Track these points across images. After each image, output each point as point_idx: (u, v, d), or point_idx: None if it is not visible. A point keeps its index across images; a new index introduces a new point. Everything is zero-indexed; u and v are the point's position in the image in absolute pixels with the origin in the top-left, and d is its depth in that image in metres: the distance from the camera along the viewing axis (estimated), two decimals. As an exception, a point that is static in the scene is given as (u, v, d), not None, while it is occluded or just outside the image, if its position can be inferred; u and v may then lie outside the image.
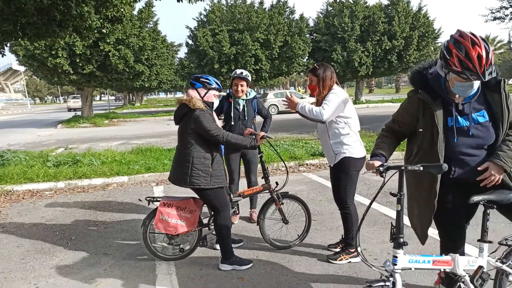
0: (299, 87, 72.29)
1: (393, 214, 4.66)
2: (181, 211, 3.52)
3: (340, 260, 3.45)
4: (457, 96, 2.19)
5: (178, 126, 3.48)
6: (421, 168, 2.04)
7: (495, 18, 15.27)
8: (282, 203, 3.72)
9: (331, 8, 27.04)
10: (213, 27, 24.48)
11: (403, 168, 2.10)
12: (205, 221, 3.66)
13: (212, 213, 3.60)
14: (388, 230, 4.16)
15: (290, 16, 25.66)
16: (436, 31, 26.29)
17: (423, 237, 2.44)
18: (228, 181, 4.22)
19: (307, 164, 7.78)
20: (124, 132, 16.93)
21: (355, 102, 28.14)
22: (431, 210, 2.29)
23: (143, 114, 28.42)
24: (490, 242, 2.33)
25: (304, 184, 6.36)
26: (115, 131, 17.91)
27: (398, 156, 7.50)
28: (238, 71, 4.31)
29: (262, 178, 3.77)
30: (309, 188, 6.15)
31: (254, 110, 4.52)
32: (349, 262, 3.45)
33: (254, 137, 3.44)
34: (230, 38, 24.15)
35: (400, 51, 25.48)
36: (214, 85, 3.40)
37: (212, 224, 3.64)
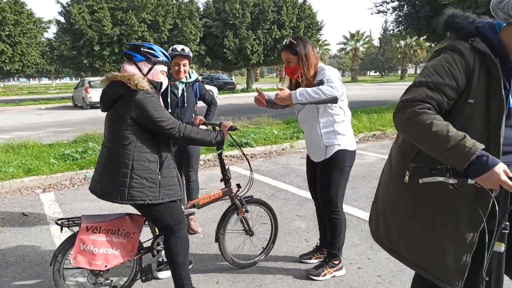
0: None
1: (359, 213, 4.26)
2: (112, 236, 2.46)
3: (324, 276, 2.84)
4: None
5: (105, 113, 2.41)
6: None
7: (379, 12, 16.63)
8: (247, 211, 2.93)
9: (220, -7, 26.35)
10: (91, 4, 21.61)
11: None
12: (147, 243, 2.67)
13: (158, 232, 2.65)
14: (355, 229, 3.70)
15: (179, -2, 24.21)
16: (319, 23, 27.79)
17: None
18: None
19: (226, 156, 7.03)
20: (-19, 125, 13.70)
21: (247, 90, 28.22)
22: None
23: (4, 102, 23.77)
24: None
25: (231, 179, 5.60)
26: (-33, 123, 14.39)
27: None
28: (179, 47, 3.45)
29: (221, 181, 2.92)
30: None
31: (196, 96, 3.71)
32: (334, 276, 2.87)
33: (218, 129, 2.57)
34: (112, 17, 21.65)
35: (288, 40, 26.25)
36: (162, 58, 2.41)
37: (158, 247, 2.68)
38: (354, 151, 2.77)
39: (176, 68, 3.49)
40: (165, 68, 2.45)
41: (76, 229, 2.42)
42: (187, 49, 3.50)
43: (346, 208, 4.21)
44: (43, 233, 3.84)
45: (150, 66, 2.37)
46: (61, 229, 2.40)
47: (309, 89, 2.45)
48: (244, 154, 2.98)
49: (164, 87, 2.49)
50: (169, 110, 3.53)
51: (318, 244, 3.17)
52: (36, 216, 4.32)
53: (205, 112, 3.87)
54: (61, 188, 5.41)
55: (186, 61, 3.49)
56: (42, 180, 5.65)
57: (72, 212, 4.44)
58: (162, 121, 2.26)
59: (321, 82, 2.54)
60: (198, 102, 3.87)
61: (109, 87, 2.35)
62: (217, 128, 2.72)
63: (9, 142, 7.78)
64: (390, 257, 3.08)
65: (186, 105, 3.58)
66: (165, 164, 2.39)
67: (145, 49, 2.36)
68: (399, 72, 68.14)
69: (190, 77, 3.65)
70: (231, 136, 2.81)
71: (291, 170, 6.05)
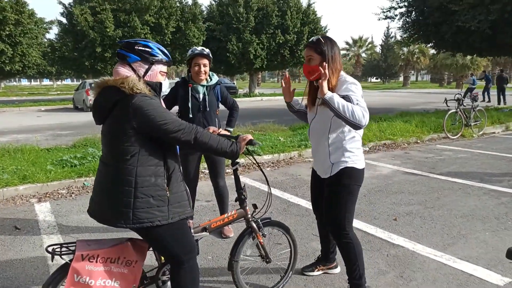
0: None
1: (381, 233, 3.91)
2: (112, 265, 2.12)
3: None
4: None
5: (101, 126, 2.08)
6: None
7: (386, 17, 16.38)
8: (264, 235, 2.60)
9: (224, -3, 26.12)
10: (94, 5, 21.32)
11: None
12: (151, 273, 2.33)
13: (164, 260, 2.31)
14: (379, 252, 3.35)
15: (183, 0, 23.94)
16: (323, 28, 27.54)
17: None
18: None
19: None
20: (-21, 126, 13.37)
21: (249, 95, 27.92)
22: None
23: (3, 103, 23.42)
24: None
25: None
26: (-36, 124, 14.07)
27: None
28: (199, 48, 3.35)
29: (235, 200, 2.59)
30: (248, 196, 5.08)
31: (217, 99, 3.56)
32: None
33: (234, 140, 2.24)
34: (114, 19, 21.37)
35: (292, 45, 25.99)
36: (160, 56, 2.07)
37: (164, 278, 2.34)
38: (363, 169, 2.54)
39: (196, 68, 3.37)
40: (164, 68, 2.11)
41: (69, 257, 2.08)
42: (207, 50, 3.37)
43: (366, 228, 3.90)
44: (36, 250, 3.50)
45: (147, 66, 2.03)
46: (52, 258, 2.05)
47: (342, 102, 2.24)
48: (263, 172, 2.63)
49: (164, 88, 2.14)
50: (191, 115, 3.41)
51: (320, 256, 3.03)
52: (30, 230, 3.98)
53: (227, 119, 3.71)
54: (58, 198, 5.07)
55: (206, 61, 3.36)
56: (37, 189, 5.31)
57: (69, 225, 4.10)
58: (167, 123, 1.93)
59: (346, 97, 2.31)
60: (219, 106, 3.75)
61: (100, 95, 2.01)
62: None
63: (5, 145, 7.44)
64: (426, 290, 2.75)
65: (208, 108, 3.45)
66: (174, 178, 2.06)
67: (140, 47, 2.01)
68: (400, 78, 67.89)
69: (211, 80, 3.51)
70: (249, 151, 2.47)
71: (302, 181, 5.72)
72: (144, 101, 1.92)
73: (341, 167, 2.48)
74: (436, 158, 7.25)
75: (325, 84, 2.27)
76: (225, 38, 24.93)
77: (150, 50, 2.04)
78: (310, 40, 2.48)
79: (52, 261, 2.06)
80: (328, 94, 2.26)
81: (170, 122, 1.94)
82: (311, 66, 2.44)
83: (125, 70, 2.01)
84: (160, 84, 2.09)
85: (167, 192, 2.02)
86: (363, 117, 2.22)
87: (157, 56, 2.05)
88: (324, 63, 2.33)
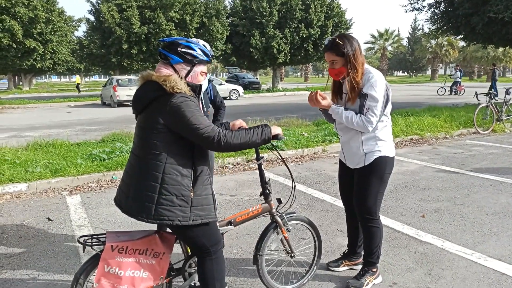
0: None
1: (408, 230, 3.85)
2: (140, 256, 2.18)
3: (366, 285, 2.68)
4: None
5: (138, 116, 2.12)
6: None
7: (414, 9, 15.96)
8: (289, 230, 2.60)
9: (248, -9, 26.07)
10: (120, 2, 21.75)
11: None
12: (178, 264, 2.38)
13: (190, 252, 2.35)
14: (406, 249, 3.30)
15: (207, -4, 24.11)
16: (348, 22, 27.10)
17: None
18: None
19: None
20: (13, 122, 13.93)
21: (272, 90, 27.86)
22: None
23: (35, 99, 24.29)
24: None
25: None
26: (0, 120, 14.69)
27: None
28: (200, 42, 3.12)
29: (260, 195, 2.60)
30: (272, 191, 5.08)
31: (210, 97, 3.46)
32: (373, 284, 2.72)
33: (262, 125, 2.22)
34: (140, 16, 21.75)
35: (316, 39, 25.71)
36: (202, 57, 2.09)
37: (190, 270, 2.39)
38: (393, 157, 2.61)
39: None
40: (205, 68, 2.14)
41: (100, 248, 2.15)
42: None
43: (393, 224, 3.84)
44: (68, 241, 3.63)
45: (189, 68, 2.06)
46: (83, 249, 2.13)
47: (345, 114, 2.44)
48: (287, 166, 2.63)
49: (204, 88, 2.18)
50: None
51: (346, 251, 3.02)
52: (62, 221, 4.13)
53: (213, 118, 3.53)
54: (88, 191, 5.23)
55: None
56: (68, 182, 5.50)
57: (98, 217, 4.23)
58: (199, 128, 1.95)
59: (365, 96, 2.39)
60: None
61: (143, 87, 2.06)
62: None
63: (38, 140, 7.72)
64: (456, 289, 2.69)
65: (205, 108, 3.36)
66: (200, 180, 2.08)
67: (182, 49, 2.04)
68: (428, 72, 65.94)
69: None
70: (274, 146, 2.46)
71: (326, 177, 5.67)
72: (183, 101, 1.94)
73: (375, 157, 2.52)
74: (466, 154, 7.03)
75: (325, 102, 2.48)
76: (249, 33, 24.94)
77: (192, 51, 2.05)
78: (327, 44, 2.47)
79: (83, 252, 2.13)
80: (331, 108, 2.48)
81: (202, 127, 1.95)
82: (337, 69, 2.47)
83: (167, 71, 2.03)
84: (200, 86, 2.11)
85: (191, 194, 2.03)
86: (364, 125, 2.39)
87: (198, 57, 2.07)
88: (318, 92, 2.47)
